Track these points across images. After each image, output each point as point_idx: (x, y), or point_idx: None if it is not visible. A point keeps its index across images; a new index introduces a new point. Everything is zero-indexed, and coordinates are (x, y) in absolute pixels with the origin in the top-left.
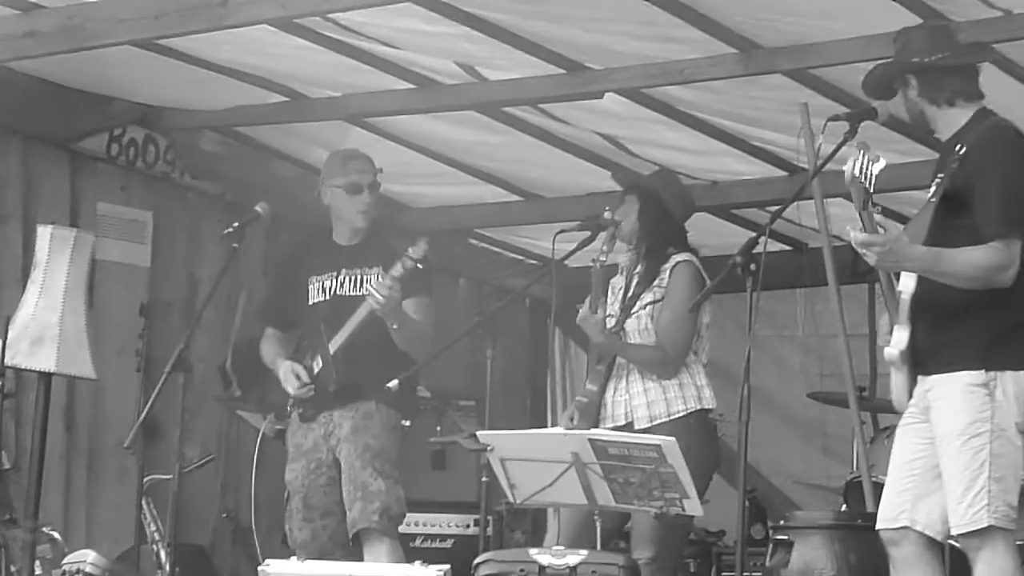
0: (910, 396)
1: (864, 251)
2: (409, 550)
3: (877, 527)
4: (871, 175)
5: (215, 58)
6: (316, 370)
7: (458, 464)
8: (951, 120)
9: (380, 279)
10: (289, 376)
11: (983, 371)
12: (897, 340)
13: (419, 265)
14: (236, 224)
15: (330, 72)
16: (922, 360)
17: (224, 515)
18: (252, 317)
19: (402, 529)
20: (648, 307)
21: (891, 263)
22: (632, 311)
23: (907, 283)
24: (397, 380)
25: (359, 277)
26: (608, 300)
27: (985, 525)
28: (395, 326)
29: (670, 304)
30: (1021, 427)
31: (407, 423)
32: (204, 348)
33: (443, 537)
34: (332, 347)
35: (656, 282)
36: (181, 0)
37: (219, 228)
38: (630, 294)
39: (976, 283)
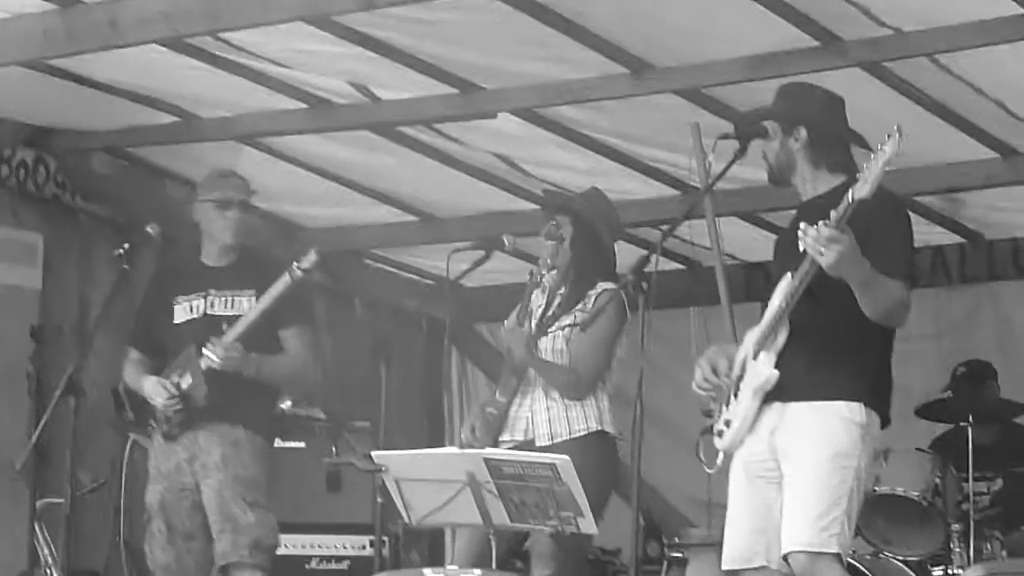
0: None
1: (823, 248)
2: (305, 572)
3: (728, 567)
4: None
5: (105, 78)
6: (184, 386)
7: (353, 485)
8: (820, 182)
9: (211, 347)
10: (157, 389)
11: (861, 405)
12: (767, 362)
13: (309, 275)
14: (127, 246)
15: (222, 92)
16: (789, 386)
17: (118, 539)
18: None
19: (298, 551)
20: (566, 329)
21: (845, 266)
22: (548, 330)
23: (776, 302)
24: (290, 402)
25: (230, 299)
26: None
27: (835, 551)
28: (252, 373)
29: (593, 333)
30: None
31: (295, 444)
32: (96, 372)
33: (339, 559)
34: (203, 363)
35: (579, 306)
36: (70, 20)
37: (110, 250)
38: (549, 313)
39: (887, 313)
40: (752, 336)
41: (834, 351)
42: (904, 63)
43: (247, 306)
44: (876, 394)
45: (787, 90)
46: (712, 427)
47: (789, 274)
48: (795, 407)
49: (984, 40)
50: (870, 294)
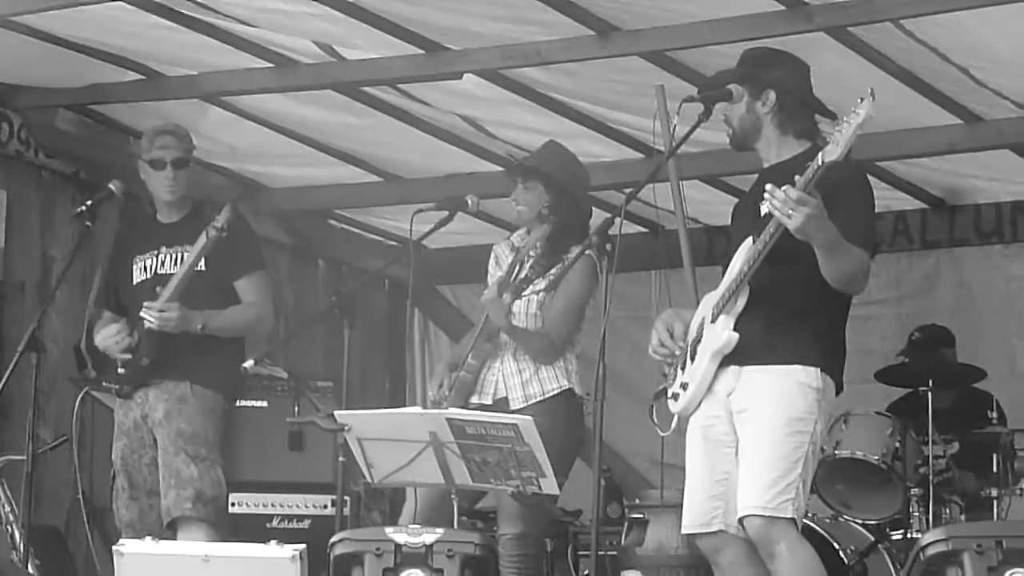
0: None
1: (791, 210)
2: (265, 530)
3: (687, 532)
4: None
5: (70, 36)
6: (133, 343)
7: (315, 445)
8: (785, 147)
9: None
10: (107, 341)
11: (818, 370)
12: (726, 325)
13: (223, 234)
14: (89, 202)
15: (187, 51)
16: (746, 349)
17: (79, 497)
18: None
19: (259, 510)
20: (540, 294)
21: (812, 228)
22: (523, 294)
23: (732, 270)
24: (252, 361)
25: (179, 255)
26: (491, 270)
27: (790, 516)
28: (200, 328)
29: (564, 295)
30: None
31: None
32: (58, 328)
33: (300, 518)
34: (145, 324)
35: (553, 271)
36: None
37: (73, 207)
38: (522, 276)
39: (849, 280)
40: (710, 300)
41: (792, 315)
42: (869, 28)
43: (144, 308)
44: (832, 359)
45: (754, 54)
46: (666, 390)
47: (751, 238)
48: (751, 370)
49: (950, 5)
50: (833, 259)
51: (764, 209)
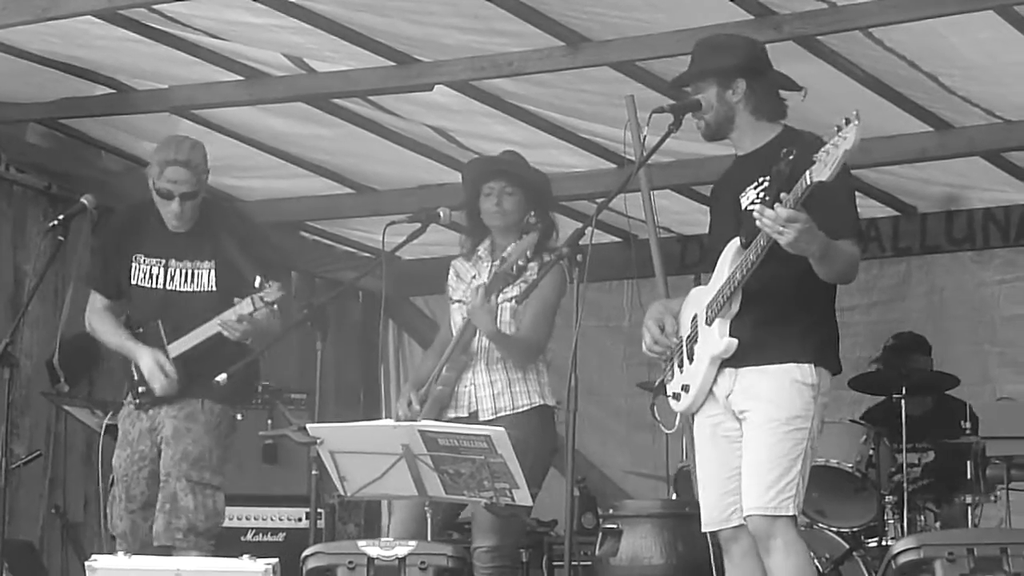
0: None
1: (782, 228)
2: (240, 544)
3: (708, 530)
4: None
5: (40, 50)
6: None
7: (289, 457)
8: (760, 133)
9: (235, 311)
10: (156, 372)
11: (811, 365)
12: (723, 330)
13: (275, 307)
14: (61, 217)
15: (156, 64)
16: (741, 352)
17: (53, 511)
18: (79, 293)
19: (233, 523)
20: (513, 301)
21: (803, 243)
22: (497, 300)
23: (721, 273)
24: (225, 375)
25: (189, 271)
26: (453, 284)
27: (790, 514)
28: (247, 341)
29: (537, 300)
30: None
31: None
32: (31, 343)
33: (274, 531)
34: (173, 352)
35: (522, 278)
36: None
37: (45, 222)
38: (495, 272)
39: (844, 276)
40: (700, 295)
41: (783, 314)
42: (838, 36)
43: (206, 280)
44: (825, 351)
45: (713, 44)
46: (665, 386)
47: (738, 240)
48: (747, 371)
49: (919, 14)
50: (827, 263)
51: (745, 202)
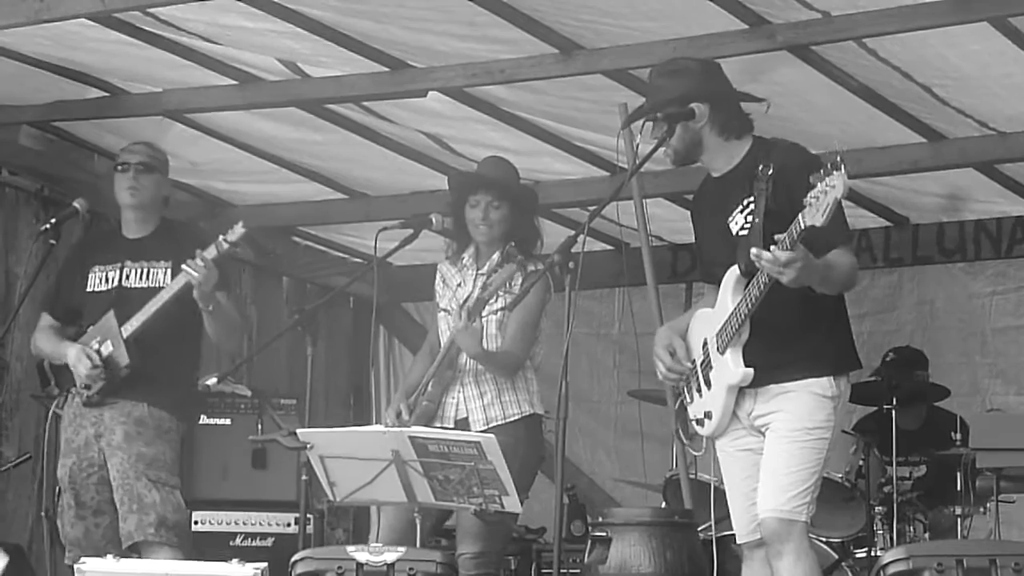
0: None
1: (782, 269)
2: (228, 548)
3: (742, 542)
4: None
5: (33, 52)
6: (105, 354)
7: (278, 462)
8: (732, 152)
9: (192, 261)
10: (80, 357)
11: (830, 377)
12: (737, 360)
13: (236, 248)
14: (54, 220)
15: (150, 67)
16: (759, 374)
17: (42, 513)
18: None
19: (222, 528)
20: (499, 313)
21: (804, 276)
22: (482, 315)
23: (725, 303)
24: (215, 378)
25: (144, 270)
26: (440, 290)
27: (804, 520)
28: (210, 308)
29: (521, 309)
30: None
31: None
32: (21, 345)
33: (263, 535)
34: (126, 331)
35: (506, 288)
36: None
37: (37, 225)
38: (479, 296)
39: (848, 285)
40: (708, 319)
41: (793, 334)
42: (832, 46)
43: (161, 278)
44: (842, 359)
45: (667, 70)
46: (685, 409)
47: (738, 269)
48: (766, 390)
49: (913, 24)
50: (828, 283)
51: (735, 228)
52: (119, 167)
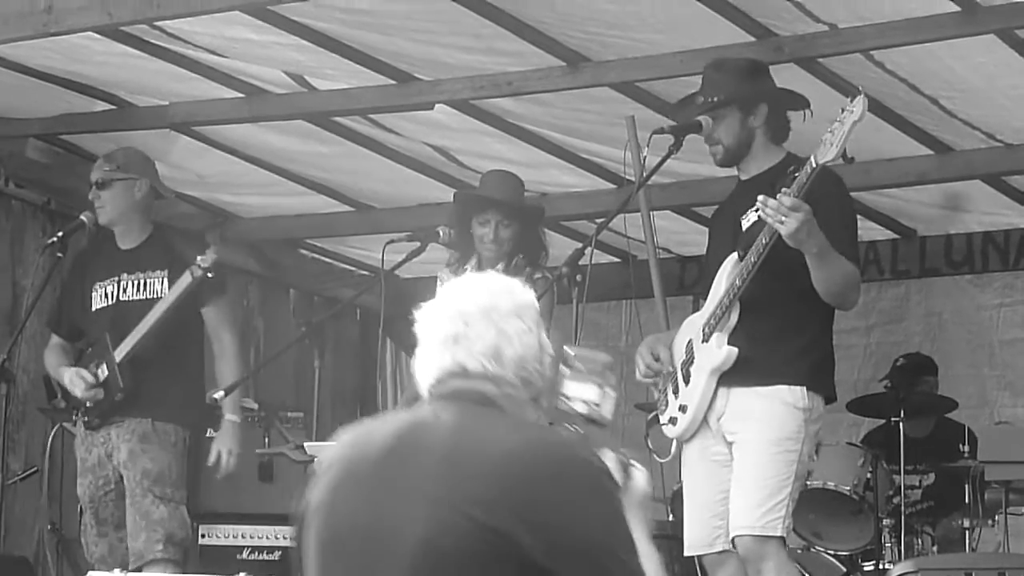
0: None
1: (784, 216)
2: (236, 562)
3: (691, 553)
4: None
5: (40, 65)
6: (102, 377)
7: (286, 476)
8: (769, 156)
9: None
10: (75, 379)
11: (803, 388)
12: (721, 341)
13: (209, 275)
14: (61, 233)
15: (156, 80)
16: (732, 371)
17: (49, 527)
18: (44, 326)
19: (229, 542)
20: None
21: (803, 234)
22: None
23: (718, 290)
24: (223, 391)
25: (141, 281)
26: None
27: (780, 535)
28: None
29: None
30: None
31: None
32: (28, 358)
33: (270, 549)
34: (118, 355)
35: None
36: (5, 6)
37: (44, 237)
38: None
39: (840, 291)
40: (695, 321)
41: (778, 332)
42: (839, 59)
43: (159, 288)
44: (818, 376)
45: (729, 68)
46: (658, 417)
47: (735, 254)
48: (739, 392)
49: (919, 37)
50: (825, 268)
51: (746, 224)
52: (91, 188)
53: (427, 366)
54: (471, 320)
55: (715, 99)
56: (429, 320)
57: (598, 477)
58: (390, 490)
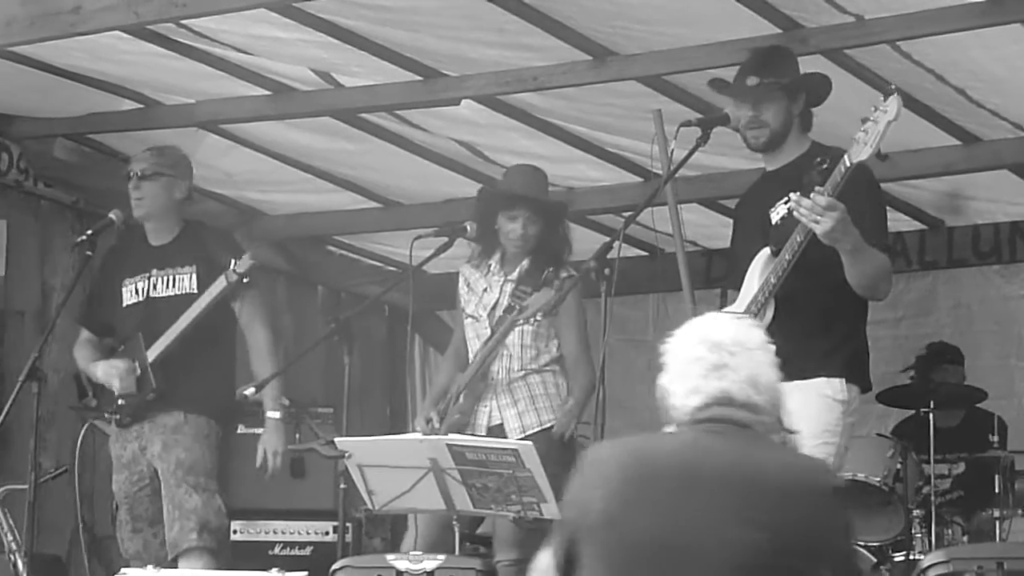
0: None
1: (819, 216)
2: (267, 558)
3: None
4: None
5: (67, 65)
6: (137, 373)
7: (316, 471)
8: (796, 145)
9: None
10: (109, 371)
11: (841, 380)
12: None
13: (245, 279)
14: (90, 232)
15: (183, 78)
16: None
17: (80, 525)
18: (73, 321)
19: (261, 537)
20: (532, 321)
21: (838, 233)
22: (516, 326)
23: (751, 285)
24: (253, 387)
25: (171, 278)
26: (465, 295)
27: None
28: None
29: (576, 326)
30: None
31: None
32: (58, 357)
33: (302, 544)
34: (151, 355)
35: (530, 292)
36: (32, 7)
37: (72, 236)
38: (513, 306)
39: (873, 283)
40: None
41: (814, 326)
42: (865, 50)
43: (187, 284)
44: (855, 366)
45: (777, 55)
46: None
47: (767, 249)
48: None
49: (945, 27)
50: (859, 263)
51: (776, 217)
52: (127, 177)
53: (688, 393)
54: (732, 351)
55: (779, 81)
56: (684, 350)
57: (842, 498)
58: (692, 509)
